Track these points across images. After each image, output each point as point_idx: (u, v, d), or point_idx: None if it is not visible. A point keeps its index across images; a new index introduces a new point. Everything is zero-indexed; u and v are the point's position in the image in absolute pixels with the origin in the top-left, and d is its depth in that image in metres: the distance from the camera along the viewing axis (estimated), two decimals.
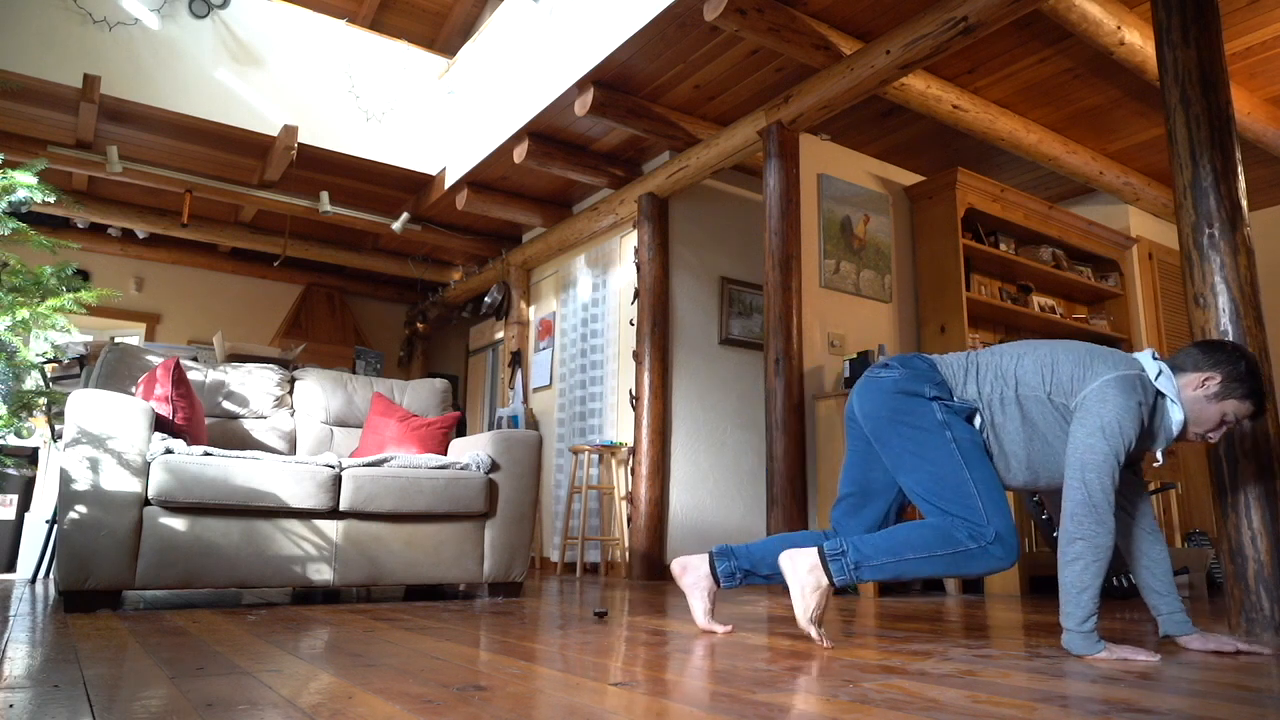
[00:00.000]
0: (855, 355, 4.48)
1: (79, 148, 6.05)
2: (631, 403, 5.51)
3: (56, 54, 5.34)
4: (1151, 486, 5.06)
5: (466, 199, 6.38)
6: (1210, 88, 2.63)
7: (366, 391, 4.02)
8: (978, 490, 2.04)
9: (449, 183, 6.49)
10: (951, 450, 2.07)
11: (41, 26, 5.33)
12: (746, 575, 2.36)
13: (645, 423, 5.22)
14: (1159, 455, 2.10)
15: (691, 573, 2.39)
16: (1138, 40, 4.20)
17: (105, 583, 2.73)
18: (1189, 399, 2.06)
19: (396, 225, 7.13)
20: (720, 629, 2.35)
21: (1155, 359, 2.09)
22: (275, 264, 8.36)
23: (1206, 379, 2.05)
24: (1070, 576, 1.92)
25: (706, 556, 2.40)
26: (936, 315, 5.13)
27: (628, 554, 5.20)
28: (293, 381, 3.95)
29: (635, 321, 5.51)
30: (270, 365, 3.91)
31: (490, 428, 7.87)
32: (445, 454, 3.77)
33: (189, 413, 3.21)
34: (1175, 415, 2.05)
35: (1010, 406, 2.10)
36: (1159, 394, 2.05)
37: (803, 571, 2.13)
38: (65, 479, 2.71)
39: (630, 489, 5.31)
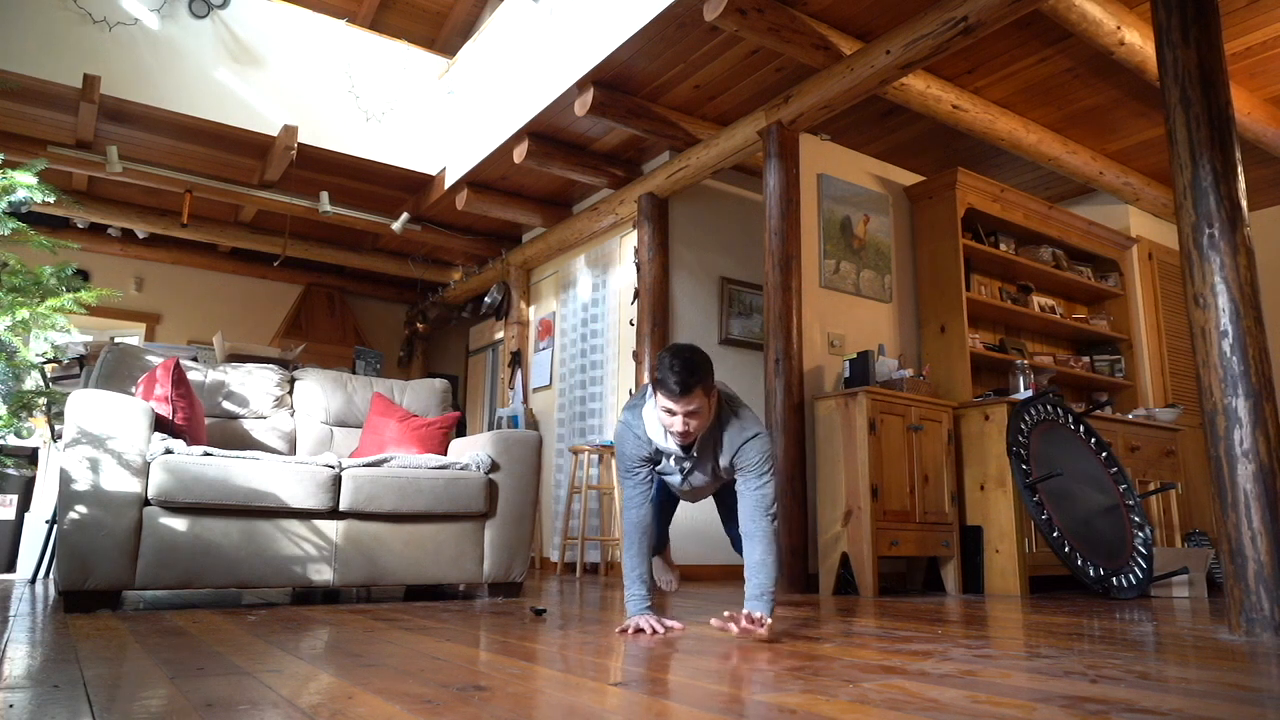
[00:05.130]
0: (855, 355, 4.47)
1: (79, 148, 6.05)
2: None
3: (56, 54, 5.33)
4: (1151, 486, 5.06)
5: (466, 199, 6.37)
6: (1210, 88, 2.63)
7: (366, 391, 4.02)
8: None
9: (449, 183, 6.48)
10: None
11: (41, 26, 5.32)
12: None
13: None
14: (673, 463, 2.37)
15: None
16: (1138, 40, 4.19)
17: (105, 583, 2.73)
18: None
19: (396, 225, 7.13)
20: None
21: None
22: (275, 264, 8.36)
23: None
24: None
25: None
26: (936, 315, 5.12)
27: None
28: (293, 382, 3.95)
29: (635, 321, 5.51)
30: (270, 365, 3.91)
31: (490, 428, 7.87)
32: (445, 454, 3.77)
33: (189, 413, 3.21)
34: (649, 421, 2.34)
35: None
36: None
37: None
38: (65, 479, 2.71)
39: None
